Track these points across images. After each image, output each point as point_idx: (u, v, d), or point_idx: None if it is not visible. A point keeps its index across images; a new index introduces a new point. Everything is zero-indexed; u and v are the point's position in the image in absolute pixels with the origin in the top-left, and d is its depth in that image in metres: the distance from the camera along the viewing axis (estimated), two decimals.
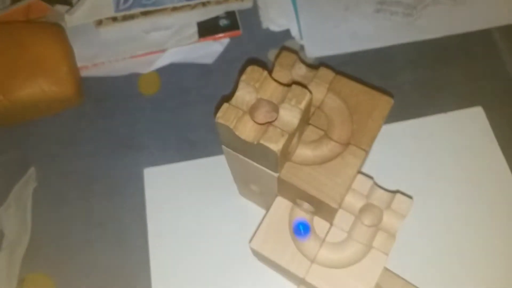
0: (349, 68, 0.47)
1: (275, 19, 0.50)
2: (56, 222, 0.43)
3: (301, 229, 0.31)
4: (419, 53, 0.48)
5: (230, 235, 0.41)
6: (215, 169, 0.43)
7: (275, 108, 0.26)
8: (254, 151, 0.27)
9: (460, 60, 0.48)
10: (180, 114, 0.47)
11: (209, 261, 0.40)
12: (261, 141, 0.25)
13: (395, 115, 0.44)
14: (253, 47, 0.49)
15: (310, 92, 0.25)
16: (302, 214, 0.31)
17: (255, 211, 0.41)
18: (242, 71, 0.26)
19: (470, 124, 0.43)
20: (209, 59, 0.49)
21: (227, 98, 0.26)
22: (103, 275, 0.41)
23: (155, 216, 0.42)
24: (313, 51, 0.48)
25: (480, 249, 0.39)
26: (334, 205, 0.27)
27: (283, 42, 0.49)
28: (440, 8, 0.50)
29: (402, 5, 0.50)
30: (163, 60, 0.49)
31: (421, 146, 0.43)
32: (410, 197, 0.30)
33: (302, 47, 0.49)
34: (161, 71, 0.49)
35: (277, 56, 0.31)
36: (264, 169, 0.29)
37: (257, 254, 0.32)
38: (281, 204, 0.32)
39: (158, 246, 0.41)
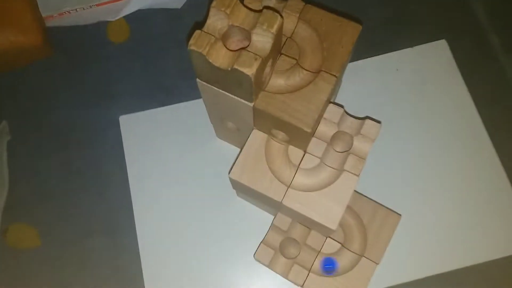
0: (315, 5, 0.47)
1: None
2: (35, 173, 0.43)
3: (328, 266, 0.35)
4: None
5: (209, 175, 0.42)
6: (190, 113, 0.44)
7: (247, 36, 0.27)
8: (229, 79, 0.28)
9: None
10: (152, 60, 0.47)
11: (190, 202, 0.42)
12: (235, 66, 0.25)
13: (363, 52, 0.45)
14: None
15: (282, 16, 0.26)
16: (277, 145, 0.33)
17: (232, 151, 0.42)
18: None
19: (435, 57, 0.45)
20: (177, 4, 0.48)
21: (199, 25, 0.26)
22: (86, 221, 0.42)
23: (135, 162, 0.43)
24: None
25: (443, 168, 0.42)
26: (307, 129, 0.29)
27: None
28: None
29: None
30: (131, 7, 0.48)
31: (389, 80, 0.45)
32: (378, 122, 0.32)
33: None
34: (130, 18, 0.48)
35: None
36: (240, 100, 0.30)
37: (236, 184, 0.33)
38: (257, 136, 0.33)
39: (140, 190, 0.42)
